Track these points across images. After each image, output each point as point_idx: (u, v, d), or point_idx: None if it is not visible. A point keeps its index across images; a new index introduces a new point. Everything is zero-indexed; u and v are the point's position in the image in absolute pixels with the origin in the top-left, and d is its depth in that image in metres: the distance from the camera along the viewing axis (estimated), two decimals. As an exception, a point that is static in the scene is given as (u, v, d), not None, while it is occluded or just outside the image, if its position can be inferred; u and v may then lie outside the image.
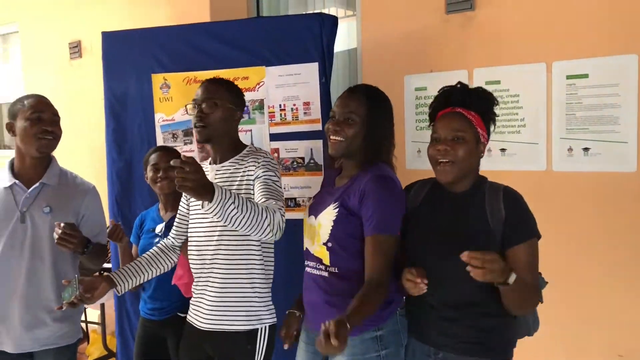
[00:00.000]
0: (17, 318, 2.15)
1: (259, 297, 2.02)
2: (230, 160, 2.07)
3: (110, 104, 3.18)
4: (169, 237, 2.26)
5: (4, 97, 5.73)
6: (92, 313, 4.24)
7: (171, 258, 2.24)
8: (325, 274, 1.87)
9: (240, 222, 1.72)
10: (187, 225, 2.19)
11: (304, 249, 1.98)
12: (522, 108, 2.64)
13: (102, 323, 3.86)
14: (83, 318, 4.22)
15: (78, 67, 4.63)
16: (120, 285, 2.07)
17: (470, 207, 1.73)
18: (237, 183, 2.01)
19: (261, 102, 2.88)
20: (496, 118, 1.82)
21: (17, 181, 2.17)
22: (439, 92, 1.85)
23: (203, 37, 2.99)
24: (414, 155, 2.96)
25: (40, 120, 2.14)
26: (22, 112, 2.16)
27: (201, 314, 2.06)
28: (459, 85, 1.80)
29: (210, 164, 2.13)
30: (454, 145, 1.71)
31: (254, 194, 1.96)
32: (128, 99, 3.16)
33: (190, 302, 2.15)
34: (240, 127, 2.85)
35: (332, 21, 2.80)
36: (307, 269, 1.95)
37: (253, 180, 1.98)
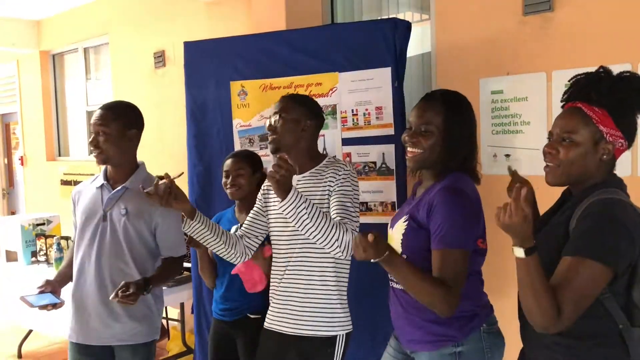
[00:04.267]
0: (96, 312, 2.28)
1: (339, 305, 2.11)
2: (310, 171, 2.16)
3: (191, 111, 3.32)
4: (240, 229, 2.29)
5: (96, 105, 6.11)
6: (173, 311, 4.43)
7: (239, 250, 2.22)
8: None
9: (309, 230, 1.90)
10: (261, 225, 2.26)
11: None
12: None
13: (182, 321, 4.03)
14: (164, 315, 4.42)
15: (162, 76, 4.87)
16: (195, 222, 2.07)
17: (560, 212, 1.59)
18: (319, 194, 2.09)
19: (334, 107, 2.92)
20: None
21: (105, 182, 2.34)
22: (569, 80, 1.63)
23: (279, 45, 3.07)
24: (490, 161, 2.90)
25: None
26: None
27: (288, 320, 2.15)
28: (599, 72, 1.56)
29: None
30: (560, 147, 1.53)
31: (329, 207, 2.05)
32: (208, 105, 3.29)
33: (271, 308, 2.22)
34: (314, 132, 2.96)
35: (406, 26, 2.80)
36: (391, 283, 1.92)
37: (331, 192, 2.06)
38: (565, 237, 1.50)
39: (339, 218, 1.98)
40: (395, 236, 1.83)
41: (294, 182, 2.13)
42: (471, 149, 1.84)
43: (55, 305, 2.24)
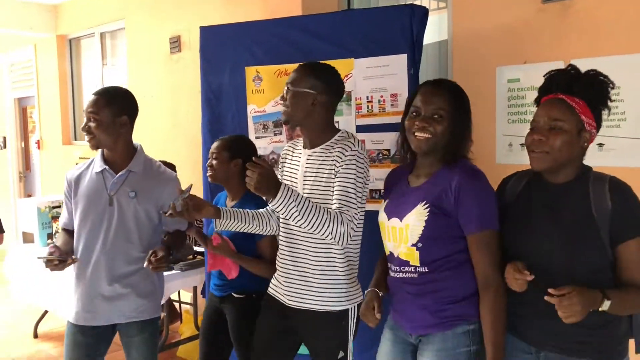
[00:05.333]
0: (103, 293, 2.33)
1: (346, 279, 2.11)
2: (321, 146, 2.12)
3: (206, 96, 3.32)
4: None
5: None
6: (186, 295, 4.47)
7: (274, 224, 2.29)
8: (415, 275, 1.83)
9: (301, 224, 1.91)
10: None
11: (387, 253, 1.94)
12: (622, 101, 2.50)
13: (194, 304, 4.07)
14: (176, 298, 4.46)
15: (177, 61, 4.88)
16: (223, 219, 2.20)
17: (571, 197, 1.65)
18: (326, 172, 2.06)
19: (349, 93, 2.90)
20: (610, 104, 1.69)
21: (106, 167, 2.36)
22: (544, 76, 1.75)
23: (294, 31, 3.06)
24: (505, 150, 2.88)
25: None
26: None
27: (291, 292, 2.15)
28: (569, 69, 1.70)
29: (303, 147, 2.20)
30: (549, 134, 1.62)
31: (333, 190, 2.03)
32: (223, 90, 3.30)
33: (276, 276, 2.25)
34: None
35: (423, 12, 2.78)
36: (392, 274, 1.92)
37: (336, 174, 2.02)
38: (592, 223, 1.59)
39: (337, 205, 1.96)
40: (414, 224, 1.80)
41: (304, 157, 2.14)
42: (469, 138, 1.89)
43: (74, 260, 2.29)
